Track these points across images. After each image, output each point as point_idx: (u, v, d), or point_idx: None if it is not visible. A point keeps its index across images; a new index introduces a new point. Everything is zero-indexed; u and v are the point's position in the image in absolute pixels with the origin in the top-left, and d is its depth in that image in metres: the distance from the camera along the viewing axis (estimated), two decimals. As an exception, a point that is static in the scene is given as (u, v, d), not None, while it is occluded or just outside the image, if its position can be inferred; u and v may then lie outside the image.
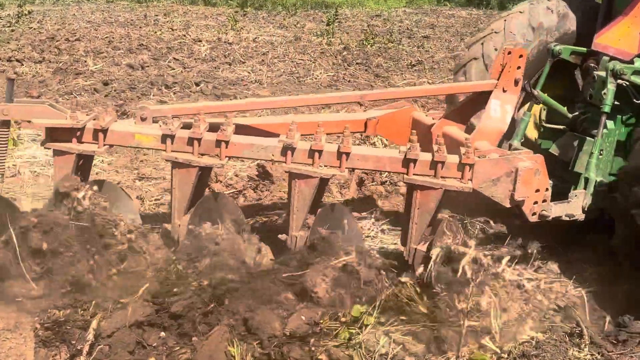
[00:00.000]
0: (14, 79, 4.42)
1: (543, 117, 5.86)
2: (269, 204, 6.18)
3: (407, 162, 4.34)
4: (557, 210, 4.74)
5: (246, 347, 3.73)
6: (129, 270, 4.18)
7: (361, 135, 7.63)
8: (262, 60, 13.58)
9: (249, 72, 12.46)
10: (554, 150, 5.55)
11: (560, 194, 4.77)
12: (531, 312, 4.13)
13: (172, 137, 4.36)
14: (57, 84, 10.70)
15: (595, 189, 4.92)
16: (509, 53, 5.06)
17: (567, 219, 4.84)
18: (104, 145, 4.41)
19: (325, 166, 4.39)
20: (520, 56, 5.08)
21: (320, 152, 4.35)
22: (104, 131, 4.37)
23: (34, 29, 15.64)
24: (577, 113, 5.50)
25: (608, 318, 4.50)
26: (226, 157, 4.43)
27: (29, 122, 4.36)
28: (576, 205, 4.85)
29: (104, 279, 4.08)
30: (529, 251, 4.84)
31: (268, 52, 14.48)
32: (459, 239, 4.26)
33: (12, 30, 15.03)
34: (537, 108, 5.71)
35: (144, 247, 4.30)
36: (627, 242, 4.51)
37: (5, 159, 4.49)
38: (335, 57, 14.25)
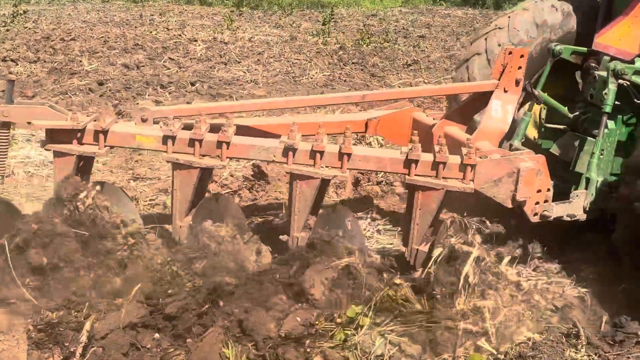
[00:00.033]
0: (14, 81, 4.41)
1: (543, 117, 5.85)
2: (265, 204, 6.16)
3: (408, 162, 4.33)
4: (558, 210, 4.74)
5: (241, 349, 3.71)
6: (131, 272, 4.16)
7: (357, 135, 7.61)
8: (258, 60, 13.55)
9: (244, 72, 12.44)
10: (554, 150, 5.54)
11: (561, 194, 4.76)
12: (528, 313, 4.12)
13: (173, 138, 4.35)
14: (52, 83, 10.67)
15: (597, 189, 4.91)
16: (510, 53, 5.05)
17: (569, 219, 4.84)
18: (105, 146, 4.39)
19: (326, 167, 4.37)
20: (521, 56, 5.07)
21: (321, 153, 4.33)
22: (105, 132, 4.35)
23: (29, 28, 15.59)
24: (577, 113, 5.49)
25: (605, 318, 4.49)
26: (227, 158, 4.41)
27: (29, 123, 4.34)
28: (577, 205, 4.84)
29: (105, 282, 4.07)
30: (530, 251, 4.85)
31: (264, 51, 14.46)
32: (462, 237, 4.24)
33: (7, 30, 14.97)
34: (536, 108, 5.70)
35: (146, 250, 4.28)
36: (628, 236, 4.49)
37: (5, 160, 4.47)
38: (331, 56, 14.23)
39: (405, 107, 5.66)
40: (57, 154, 4.32)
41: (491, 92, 5.14)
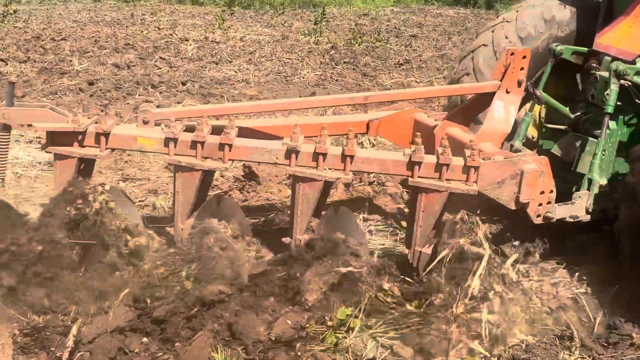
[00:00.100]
0: (14, 83, 4.35)
1: (542, 117, 5.84)
2: (256, 205, 6.11)
3: (411, 164, 4.29)
4: (561, 211, 4.71)
5: (230, 353, 3.68)
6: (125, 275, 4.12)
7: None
8: (250, 60, 13.50)
9: (235, 72, 12.39)
10: (555, 150, 5.53)
11: (562, 194, 4.73)
12: (522, 315, 4.09)
13: (175, 140, 4.31)
14: (41, 83, 10.59)
15: (599, 190, 4.89)
16: (512, 54, 5.02)
17: (571, 220, 4.80)
18: (106, 149, 4.35)
19: (329, 169, 4.34)
20: (524, 57, 5.03)
21: (324, 155, 4.29)
22: (106, 135, 4.31)
23: (20, 28, 15.51)
24: (579, 113, 5.47)
25: (598, 320, 4.46)
26: (230, 160, 4.37)
27: (30, 125, 4.29)
28: (580, 206, 4.81)
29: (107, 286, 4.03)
30: (531, 250, 4.83)
31: (255, 51, 14.41)
32: (471, 238, 4.21)
33: (-3, 30, 14.92)
34: (536, 108, 5.68)
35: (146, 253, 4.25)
36: (631, 225, 4.46)
37: (5, 163, 4.43)
38: (323, 56, 14.20)
39: (406, 108, 5.63)
40: (58, 157, 4.29)
41: (493, 93, 5.09)
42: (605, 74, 5.04)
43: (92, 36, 14.77)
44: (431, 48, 16.20)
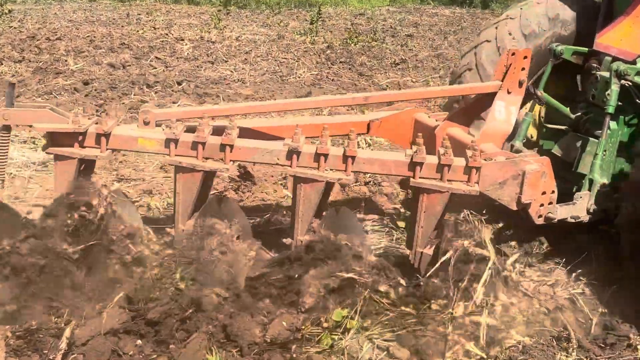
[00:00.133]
0: (14, 84, 4.32)
1: (542, 116, 5.82)
2: (251, 206, 6.09)
3: (413, 165, 4.29)
4: (562, 212, 4.70)
5: (225, 355, 3.67)
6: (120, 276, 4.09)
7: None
8: (245, 59, 13.47)
9: (231, 71, 12.35)
10: (556, 151, 5.52)
11: (562, 194, 4.72)
12: (520, 317, 4.08)
13: (176, 141, 4.29)
14: (36, 83, 10.54)
15: (600, 190, 4.88)
16: (513, 54, 5.00)
17: (573, 220, 4.80)
18: (107, 149, 4.33)
19: (331, 170, 4.32)
20: (525, 57, 5.03)
21: (326, 155, 4.28)
22: (107, 135, 4.29)
23: (15, 28, 15.45)
24: (579, 114, 5.47)
25: (595, 320, 4.44)
26: (231, 161, 4.35)
27: (30, 126, 4.26)
28: (581, 207, 4.81)
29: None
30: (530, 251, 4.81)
31: (251, 50, 14.38)
32: (474, 239, 4.20)
33: (-8, 30, 14.86)
34: (536, 108, 5.67)
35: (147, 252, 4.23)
36: (632, 220, 4.46)
37: (5, 164, 4.39)
38: (319, 55, 14.17)
39: (406, 108, 5.61)
40: (58, 157, 4.26)
41: (494, 94, 5.09)
42: (606, 74, 5.03)
43: (88, 36, 14.71)
44: (427, 48, 16.17)
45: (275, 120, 5.65)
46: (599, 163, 4.89)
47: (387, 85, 11.92)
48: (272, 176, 6.71)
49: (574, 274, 4.98)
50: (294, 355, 3.70)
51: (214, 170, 4.36)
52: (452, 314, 3.96)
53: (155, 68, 12.18)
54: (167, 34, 15.66)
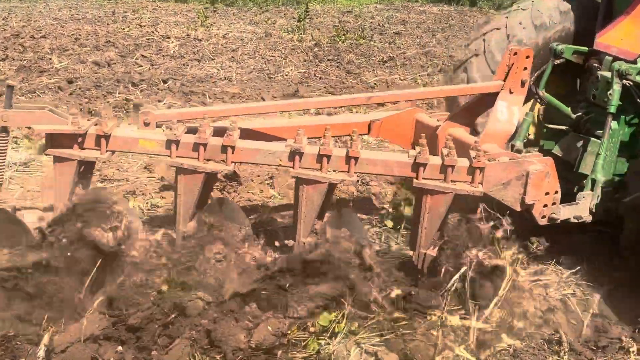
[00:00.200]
0: (13, 86, 4.25)
1: (541, 115, 5.82)
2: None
3: (416, 166, 4.26)
4: (565, 212, 4.68)
5: (209, 361, 3.56)
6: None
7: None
8: (232, 57, 13.37)
9: (218, 69, 12.25)
10: (556, 151, 5.50)
11: (563, 194, 4.67)
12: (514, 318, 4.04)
13: (177, 142, 4.23)
14: (19, 82, 10.40)
15: (602, 190, 4.86)
16: (515, 54, 4.96)
17: (576, 221, 4.78)
18: (107, 151, 4.27)
19: (333, 171, 4.28)
20: (527, 57, 5.00)
21: (328, 156, 4.24)
22: (107, 137, 4.23)
23: (-2, 25, 15.32)
24: (580, 113, 5.44)
25: (586, 322, 4.38)
26: (232, 162, 4.30)
27: (29, 128, 4.18)
28: (584, 207, 4.79)
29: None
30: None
31: (238, 48, 14.28)
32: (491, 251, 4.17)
33: (-24, 28, 14.70)
34: (535, 107, 5.63)
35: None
36: (635, 206, 4.48)
37: (4, 166, 4.33)
38: (306, 53, 14.09)
39: (407, 108, 5.58)
40: (58, 159, 4.21)
41: (496, 94, 5.07)
42: (607, 74, 5.03)
43: (73, 34, 14.58)
44: (415, 45, 16.12)
45: (277, 121, 5.57)
46: (601, 163, 4.88)
47: (375, 83, 11.86)
48: (259, 176, 6.62)
49: (565, 275, 4.93)
50: (280, 361, 3.63)
51: (216, 171, 4.33)
52: (442, 318, 3.89)
53: (141, 66, 12.06)
54: (153, 32, 15.55)
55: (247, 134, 4.71)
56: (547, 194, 4.44)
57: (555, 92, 5.49)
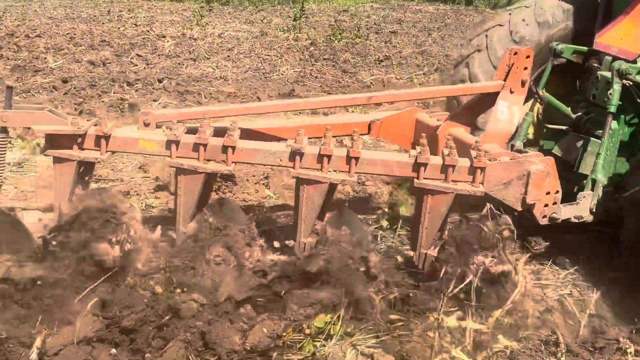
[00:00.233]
0: (12, 87, 4.23)
1: (540, 114, 5.81)
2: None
3: (417, 166, 4.26)
4: (566, 212, 4.69)
5: (203, 363, 3.53)
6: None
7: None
8: (228, 56, 13.33)
9: (213, 69, 12.21)
10: (556, 151, 5.49)
11: (562, 194, 4.66)
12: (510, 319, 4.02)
13: (177, 142, 4.22)
14: (14, 81, 10.34)
15: (602, 190, 4.86)
16: (516, 54, 4.95)
17: (576, 220, 4.78)
18: (107, 151, 4.26)
19: (334, 171, 4.27)
20: (527, 57, 4.99)
21: (329, 157, 4.23)
22: (107, 137, 4.22)
23: (-7, 25, 15.26)
24: (580, 113, 5.43)
25: (584, 323, 4.36)
26: (233, 162, 4.28)
27: (29, 129, 4.16)
28: (584, 206, 4.80)
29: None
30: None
31: (234, 47, 14.24)
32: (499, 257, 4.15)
33: (-30, 27, 14.64)
34: (534, 107, 5.62)
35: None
36: (635, 200, 4.48)
37: (4, 167, 4.31)
38: (302, 52, 14.05)
39: (407, 108, 5.57)
40: (57, 160, 4.19)
41: (497, 94, 5.06)
42: (607, 73, 5.03)
43: (68, 33, 14.54)
44: (411, 44, 16.09)
45: (277, 121, 5.56)
46: (602, 163, 4.88)
47: (371, 83, 11.82)
48: (254, 176, 6.59)
49: (562, 275, 4.91)
50: (275, 363, 3.60)
51: (216, 172, 4.32)
52: (438, 319, 3.87)
53: (136, 65, 12.02)
54: (148, 31, 15.50)
55: (247, 134, 4.71)
56: (548, 193, 4.44)
57: (555, 92, 5.48)
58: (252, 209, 5.84)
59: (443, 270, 4.16)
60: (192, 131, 4.29)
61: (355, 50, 14.70)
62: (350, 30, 17.26)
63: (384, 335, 3.86)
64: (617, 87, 4.84)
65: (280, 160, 4.28)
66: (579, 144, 5.25)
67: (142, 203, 5.91)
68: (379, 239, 5.48)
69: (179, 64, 12.45)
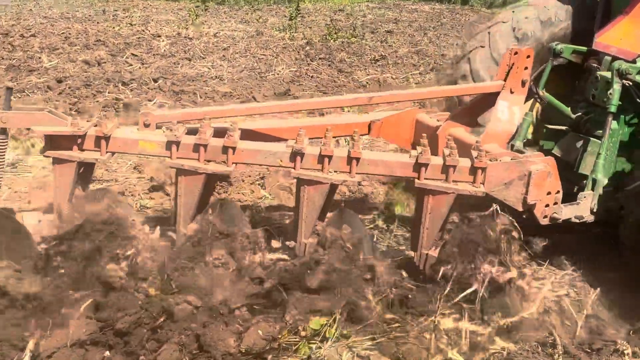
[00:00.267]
0: (12, 88, 4.22)
1: (539, 113, 5.81)
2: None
3: (418, 166, 4.24)
4: (567, 212, 4.68)
5: (198, 366, 3.50)
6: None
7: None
8: (223, 56, 13.29)
9: (209, 68, 12.17)
10: (556, 151, 5.48)
11: (563, 194, 4.64)
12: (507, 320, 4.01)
13: (178, 143, 4.20)
14: (8, 81, 10.30)
15: (603, 190, 4.86)
16: (516, 54, 4.94)
17: (577, 220, 4.77)
18: (107, 152, 4.23)
19: (335, 171, 4.26)
20: (528, 57, 4.98)
21: (330, 157, 4.22)
22: (107, 138, 4.20)
23: (-13, 25, 15.20)
24: (579, 113, 5.42)
25: (581, 324, 4.34)
26: (233, 163, 4.26)
27: (29, 129, 4.13)
28: (585, 206, 4.79)
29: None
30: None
31: (229, 47, 14.20)
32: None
33: (-36, 27, 14.58)
34: (534, 107, 5.61)
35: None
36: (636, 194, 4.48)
37: (3, 168, 4.30)
38: (298, 52, 14.02)
39: (407, 108, 5.57)
40: (57, 161, 4.17)
41: (497, 94, 5.05)
42: (607, 73, 5.03)
43: (63, 32, 14.47)
44: (407, 44, 16.08)
45: (277, 121, 5.54)
46: (602, 163, 4.88)
47: (367, 82, 11.81)
48: (250, 176, 6.56)
49: (559, 275, 4.90)
50: (271, 366, 3.57)
51: (217, 173, 4.29)
52: (434, 321, 3.85)
53: (131, 65, 11.97)
54: (143, 31, 15.45)
55: (247, 134, 4.69)
56: (548, 193, 4.43)
57: (555, 92, 5.47)
58: (246, 210, 5.81)
59: (441, 272, 4.13)
60: (192, 132, 4.27)
61: (351, 50, 14.68)
62: (346, 29, 17.23)
63: (380, 337, 3.83)
64: (617, 87, 4.83)
65: (281, 161, 4.26)
66: (579, 144, 5.24)
67: (136, 203, 5.88)
68: (375, 239, 5.45)
69: (174, 63, 12.41)
